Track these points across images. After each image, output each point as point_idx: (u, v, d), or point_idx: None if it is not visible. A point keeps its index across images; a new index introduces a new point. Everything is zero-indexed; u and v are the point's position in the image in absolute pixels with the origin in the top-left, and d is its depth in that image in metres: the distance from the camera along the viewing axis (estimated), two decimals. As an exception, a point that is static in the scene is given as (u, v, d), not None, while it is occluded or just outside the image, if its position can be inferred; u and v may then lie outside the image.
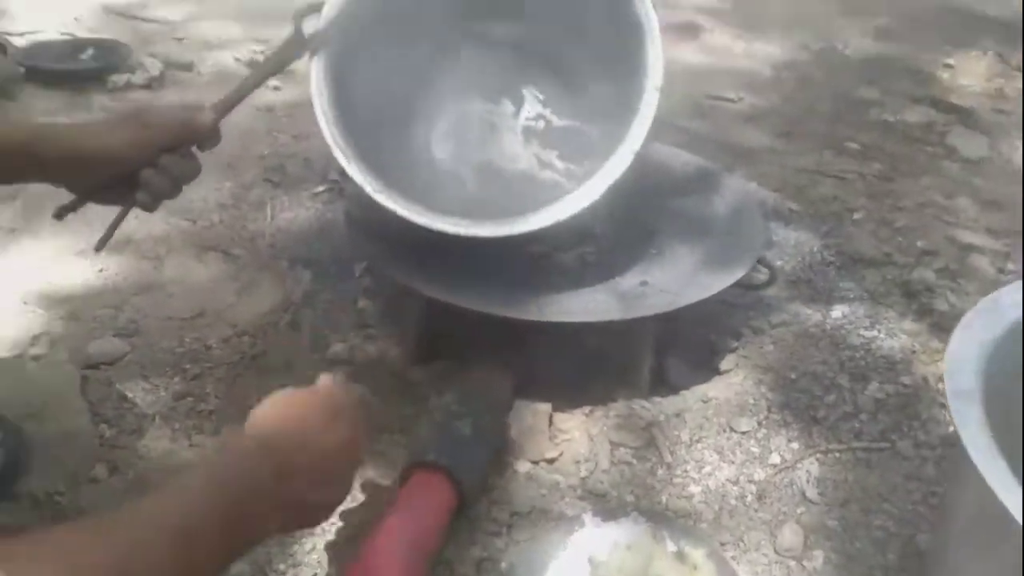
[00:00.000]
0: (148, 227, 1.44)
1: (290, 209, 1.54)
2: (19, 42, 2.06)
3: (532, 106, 1.25)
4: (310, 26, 1.10)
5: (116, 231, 0.98)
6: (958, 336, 0.78)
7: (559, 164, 1.21)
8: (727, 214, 1.25)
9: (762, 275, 1.21)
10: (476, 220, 1.01)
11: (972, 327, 0.79)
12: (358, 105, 1.15)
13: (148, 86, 1.92)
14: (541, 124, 1.26)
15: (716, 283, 1.07)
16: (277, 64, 1.08)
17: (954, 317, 1.30)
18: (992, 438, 0.66)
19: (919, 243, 1.51)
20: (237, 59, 2.09)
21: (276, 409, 0.73)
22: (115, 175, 0.91)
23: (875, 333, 1.26)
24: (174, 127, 0.93)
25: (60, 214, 0.97)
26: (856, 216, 1.58)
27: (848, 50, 2.43)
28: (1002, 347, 0.78)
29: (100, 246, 1.01)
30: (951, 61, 2.40)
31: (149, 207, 0.95)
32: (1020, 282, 0.86)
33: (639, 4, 1.02)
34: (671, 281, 1.13)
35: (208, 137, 0.96)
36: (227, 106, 1.01)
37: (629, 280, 1.16)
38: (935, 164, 1.84)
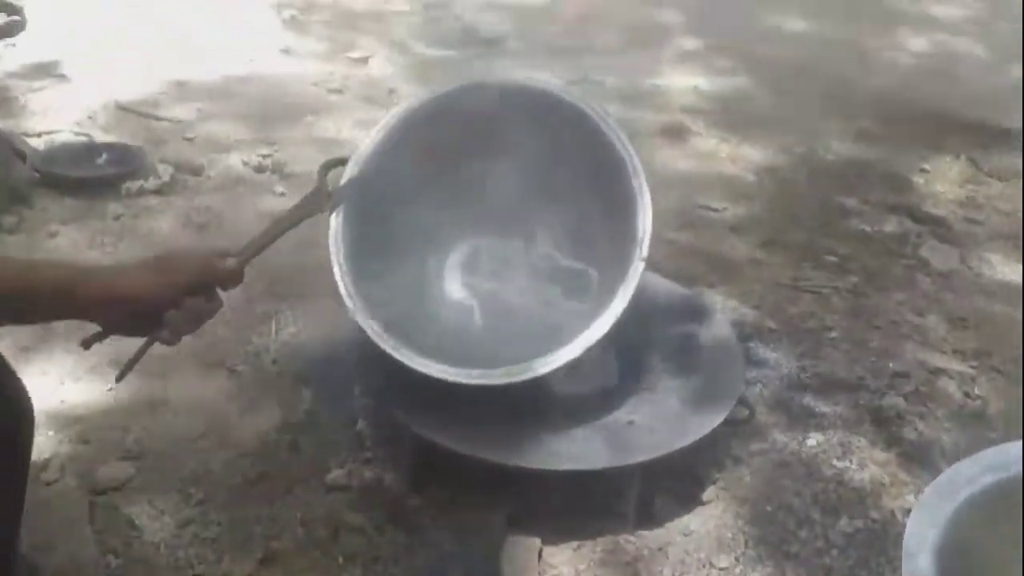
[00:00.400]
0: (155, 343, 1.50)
1: (295, 323, 1.62)
2: (36, 143, 2.15)
3: (543, 245, 1.34)
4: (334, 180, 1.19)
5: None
6: (915, 517, 0.84)
7: (562, 302, 1.29)
8: (710, 349, 1.32)
9: (742, 413, 1.28)
10: (479, 368, 1.08)
11: (928, 506, 0.85)
12: (373, 246, 1.23)
13: (160, 191, 2.00)
14: (549, 263, 1.34)
15: (700, 426, 1.15)
16: (301, 215, 1.14)
17: (922, 446, 1.39)
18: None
19: (891, 364, 1.59)
20: (245, 163, 2.18)
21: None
22: (141, 313, 0.96)
23: (847, 464, 1.33)
24: (200, 272, 0.98)
25: (87, 344, 1.01)
26: (832, 335, 1.67)
27: (829, 154, 2.54)
28: (959, 521, 0.84)
29: (120, 377, 1.06)
30: (927, 166, 2.52)
31: (171, 343, 0.99)
32: (979, 454, 0.92)
33: (635, 180, 1.12)
34: (658, 420, 1.20)
35: (231, 280, 1.02)
36: (250, 253, 1.07)
37: (618, 417, 1.23)
38: (909, 277, 1.93)
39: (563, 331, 1.15)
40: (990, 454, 0.93)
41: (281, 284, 1.72)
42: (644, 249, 1.09)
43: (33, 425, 0.96)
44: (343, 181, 1.21)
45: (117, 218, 1.91)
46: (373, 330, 1.15)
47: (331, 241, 1.19)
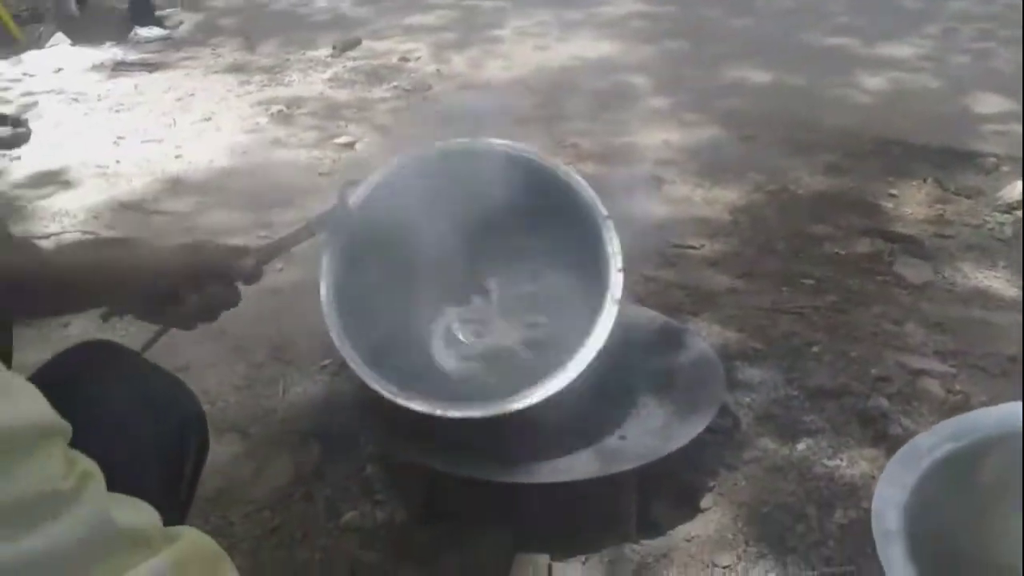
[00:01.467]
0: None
1: (300, 384, 1.69)
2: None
3: (525, 288, 1.42)
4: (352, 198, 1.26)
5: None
6: (883, 481, 0.90)
7: (531, 349, 1.37)
8: (692, 367, 1.40)
9: (727, 420, 1.35)
10: (462, 402, 1.15)
11: (894, 472, 0.91)
12: (362, 281, 1.31)
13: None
14: (521, 309, 1.42)
15: (684, 434, 1.21)
16: (318, 227, 1.21)
17: (908, 439, 1.45)
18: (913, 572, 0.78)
19: (873, 371, 1.65)
20: (245, 244, 2.28)
21: None
22: (164, 292, 0.97)
23: (838, 462, 1.38)
24: (223, 262, 0.99)
25: (106, 317, 1.02)
26: (814, 349, 1.74)
27: (799, 189, 2.65)
28: (923, 487, 0.90)
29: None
30: (894, 191, 2.63)
31: (187, 327, 1.01)
32: (937, 426, 0.99)
33: (607, 235, 1.21)
34: (646, 434, 1.27)
35: (250, 275, 1.03)
36: (269, 254, 1.13)
37: (610, 436, 1.29)
38: (885, 292, 2.01)
39: (543, 370, 1.21)
40: (948, 424, 1.00)
41: (287, 350, 1.80)
42: (617, 291, 1.17)
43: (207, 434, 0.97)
44: (334, 207, 1.27)
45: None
46: (356, 363, 1.22)
47: (321, 274, 1.26)
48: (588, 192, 1.26)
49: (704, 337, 1.67)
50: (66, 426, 0.52)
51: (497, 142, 1.44)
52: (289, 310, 1.96)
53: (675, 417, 1.30)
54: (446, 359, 1.42)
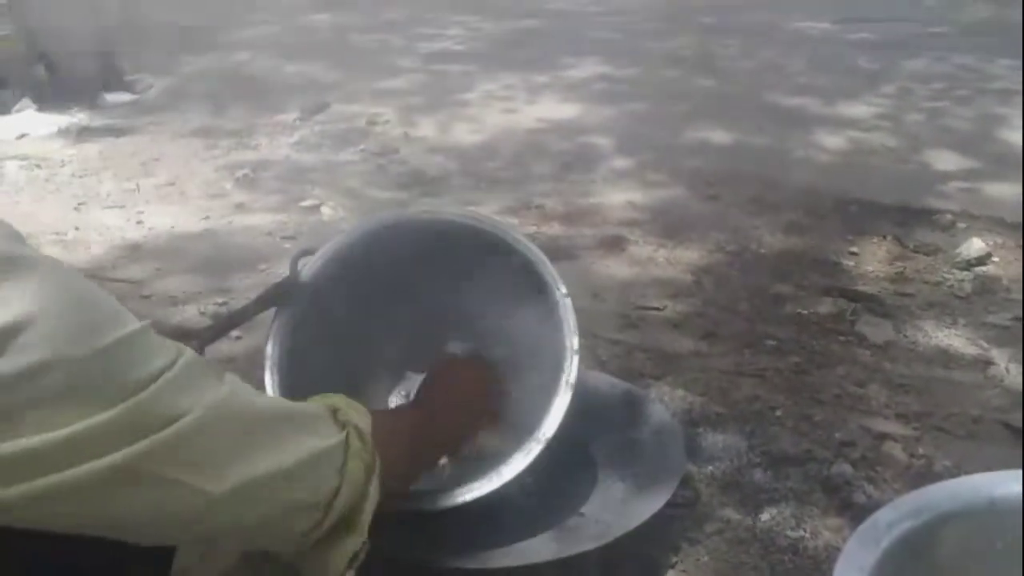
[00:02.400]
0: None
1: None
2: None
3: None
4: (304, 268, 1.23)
5: None
6: (842, 561, 0.87)
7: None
8: (652, 436, 1.37)
9: (688, 491, 1.32)
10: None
11: (852, 552, 0.89)
12: (311, 361, 1.27)
13: (117, 348, 2.05)
14: None
15: (645, 509, 1.18)
16: (268, 302, 1.19)
17: (872, 509, 1.42)
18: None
19: (837, 435, 1.64)
20: (202, 312, 2.25)
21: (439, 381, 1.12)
22: None
23: (801, 533, 1.36)
24: None
25: None
26: (777, 413, 1.72)
27: (761, 248, 2.67)
28: (882, 567, 0.88)
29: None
30: (855, 249, 2.66)
31: None
32: (897, 501, 0.96)
33: (564, 315, 1.19)
34: (606, 509, 1.23)
35: None
36: (215, 334, 1.11)
37: (569, 512, 1.25)
38: (847, 352, 2.01)
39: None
40: (908, 500, 0.98)
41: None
42: (572, 375, 1.14)
43: None
44: (285, 278, 1.25)
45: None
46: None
47: (268, 342, 1.23)
48: (547, 268, 1.24)
49: (666, 403, 1.65)
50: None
51: (455, 211, 1.43)
52: (245, 378, 1.91)
53: (636, 490, 1.27)
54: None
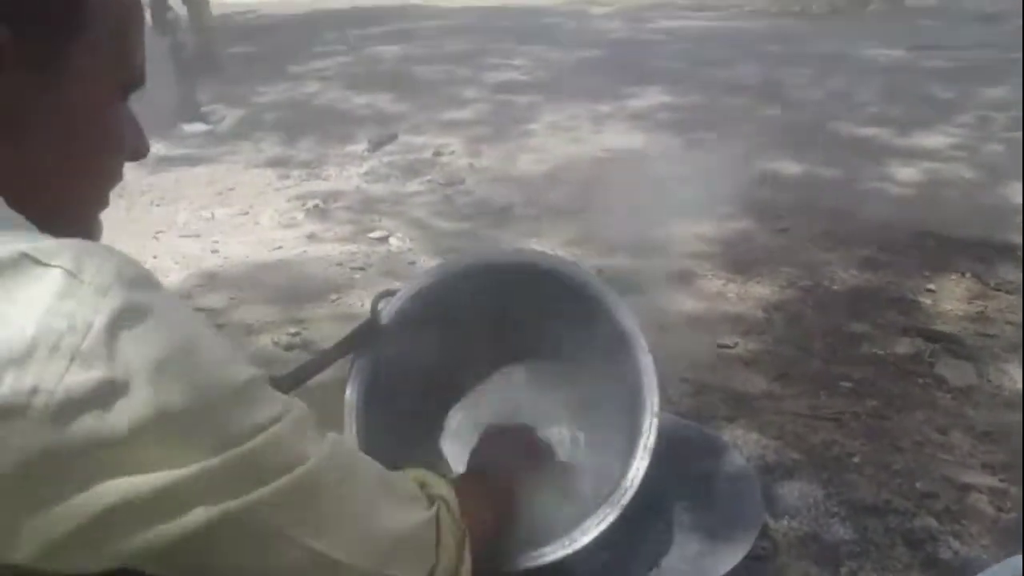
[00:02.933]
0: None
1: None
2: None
3: (553, 423, 1.36)
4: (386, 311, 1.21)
5: None
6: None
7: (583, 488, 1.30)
8: (727, 486, 1.34)
9: (765, 543, 1.29)
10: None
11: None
12: (387, 403, 1.27)
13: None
14: (567, 442, 1.36)
15: (722, 564, 1.16)
16: (350, 346, 1.19)
17: (959, 566, 1.37)
18: None
19: (918, 485, 1.58)
20: (275, 343, 2.30)
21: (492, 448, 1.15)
22: None
23: (884, 590, 1.31)
24: None
25: None
26: (855, 459, 1.67)
27: (835, 284, 2.61)
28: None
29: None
30: (932, 286, 2.58)
31: None
32: (995, 569, 0.92)
33: (646, 374, 1.16)
34: (682, 561, 1.21)
35: None
36: (295, 382, 1.11)
37: (644, 568, 1.23)
38: (927, 396, 1.94)
39: (572, 514, 1.15)
40: (1006, 569, 0.94)
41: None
42: (651, 439, 1.10)
43: None
44: (365, 321, 1.24)
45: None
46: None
47: (348, 390, 1.22)
48: (630, 321, 1.22)
49: (740, 447, 1.62)
50: None
51: (537, 253, 1.42)
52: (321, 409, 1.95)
53: (712, 542, 1.24)
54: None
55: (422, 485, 0.81)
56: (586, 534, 1.06)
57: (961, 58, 5.56)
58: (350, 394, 1.21)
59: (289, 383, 1.08)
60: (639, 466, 1.10)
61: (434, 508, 0.77)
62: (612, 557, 1.22)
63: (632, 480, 1.09)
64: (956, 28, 6.27)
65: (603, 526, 1.06)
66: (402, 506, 0.73)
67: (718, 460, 1.40)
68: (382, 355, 1.24)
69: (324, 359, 1.18)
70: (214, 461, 0.57)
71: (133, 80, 0.68)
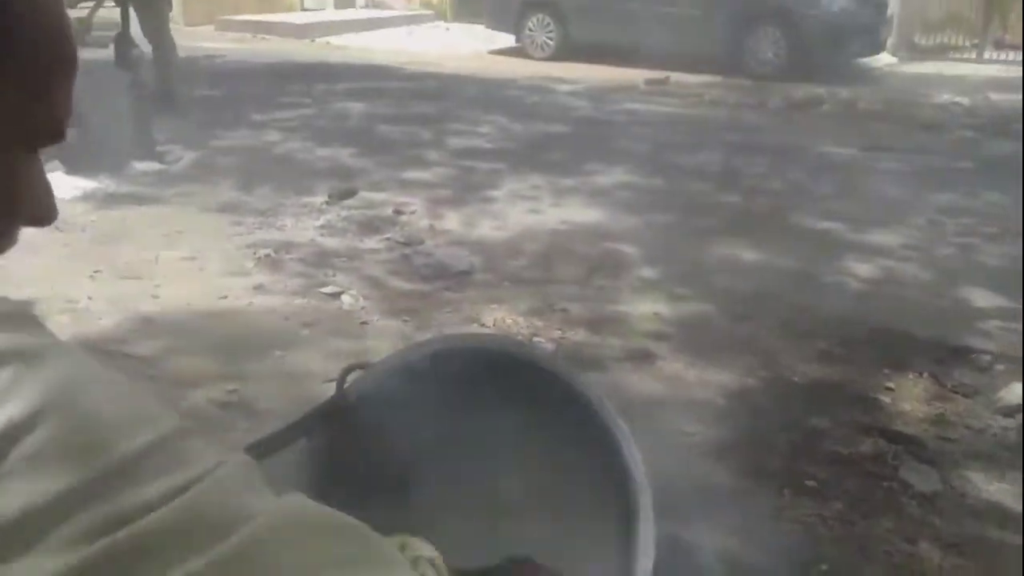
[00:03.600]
0: None
1: None
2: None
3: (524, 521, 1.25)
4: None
5: None
6: None
7: None
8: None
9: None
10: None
11: None
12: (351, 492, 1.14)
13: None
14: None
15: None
16: (309, 426, 1.07)
17: None
18: None
19: (890, 600, 1.50)
20: (210, 399, 2.14)
21: None
22: None
23: None
24: None
25: None
26: (823, 567, 1.59)
27: (795, 376, 2.57)
28: None
29: None
30: (891, 384, 2.56)
31: None
32: None
33: (643, 514, 1.06)
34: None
35: None
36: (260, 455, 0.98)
37: None
38: (893, 501, 1.89)
39: None
40: None
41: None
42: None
43: None
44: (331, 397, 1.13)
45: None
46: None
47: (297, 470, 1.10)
48: (631, 450, 1.11)
49: (705, 550, 1.52)
50: None
51: (514, 342, 1.33)
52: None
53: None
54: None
55: (402, 548, 0.70)
56: None
57: (910, 161, 5.75)
58: (300, 476, 1.08)
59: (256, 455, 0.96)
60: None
61: (418, 572, 0.66)
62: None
63: None
64: (904, 133, 6.51)
65: None
66: (381, 562, 0.61)
67: (687, 566, 1.30)
68: (343, 437, 1.12)
69: (279, 439, 1.04)
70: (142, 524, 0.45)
71: (40, 135, 0.56)
